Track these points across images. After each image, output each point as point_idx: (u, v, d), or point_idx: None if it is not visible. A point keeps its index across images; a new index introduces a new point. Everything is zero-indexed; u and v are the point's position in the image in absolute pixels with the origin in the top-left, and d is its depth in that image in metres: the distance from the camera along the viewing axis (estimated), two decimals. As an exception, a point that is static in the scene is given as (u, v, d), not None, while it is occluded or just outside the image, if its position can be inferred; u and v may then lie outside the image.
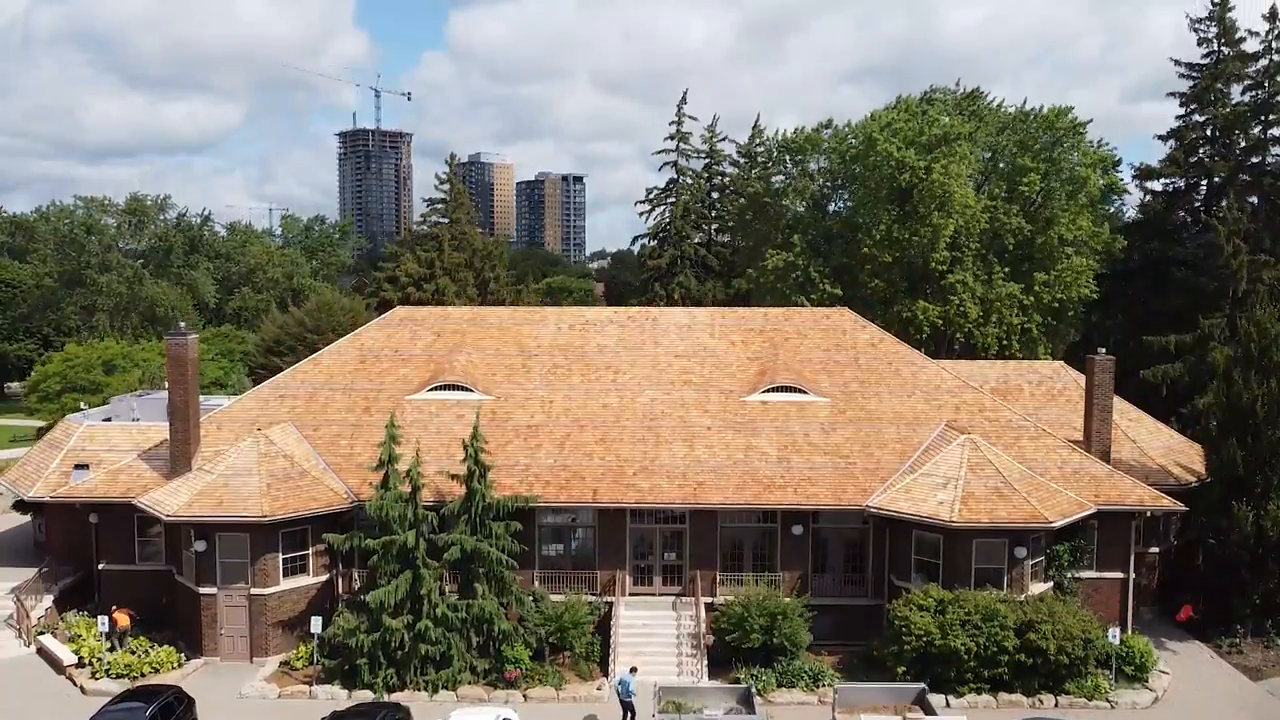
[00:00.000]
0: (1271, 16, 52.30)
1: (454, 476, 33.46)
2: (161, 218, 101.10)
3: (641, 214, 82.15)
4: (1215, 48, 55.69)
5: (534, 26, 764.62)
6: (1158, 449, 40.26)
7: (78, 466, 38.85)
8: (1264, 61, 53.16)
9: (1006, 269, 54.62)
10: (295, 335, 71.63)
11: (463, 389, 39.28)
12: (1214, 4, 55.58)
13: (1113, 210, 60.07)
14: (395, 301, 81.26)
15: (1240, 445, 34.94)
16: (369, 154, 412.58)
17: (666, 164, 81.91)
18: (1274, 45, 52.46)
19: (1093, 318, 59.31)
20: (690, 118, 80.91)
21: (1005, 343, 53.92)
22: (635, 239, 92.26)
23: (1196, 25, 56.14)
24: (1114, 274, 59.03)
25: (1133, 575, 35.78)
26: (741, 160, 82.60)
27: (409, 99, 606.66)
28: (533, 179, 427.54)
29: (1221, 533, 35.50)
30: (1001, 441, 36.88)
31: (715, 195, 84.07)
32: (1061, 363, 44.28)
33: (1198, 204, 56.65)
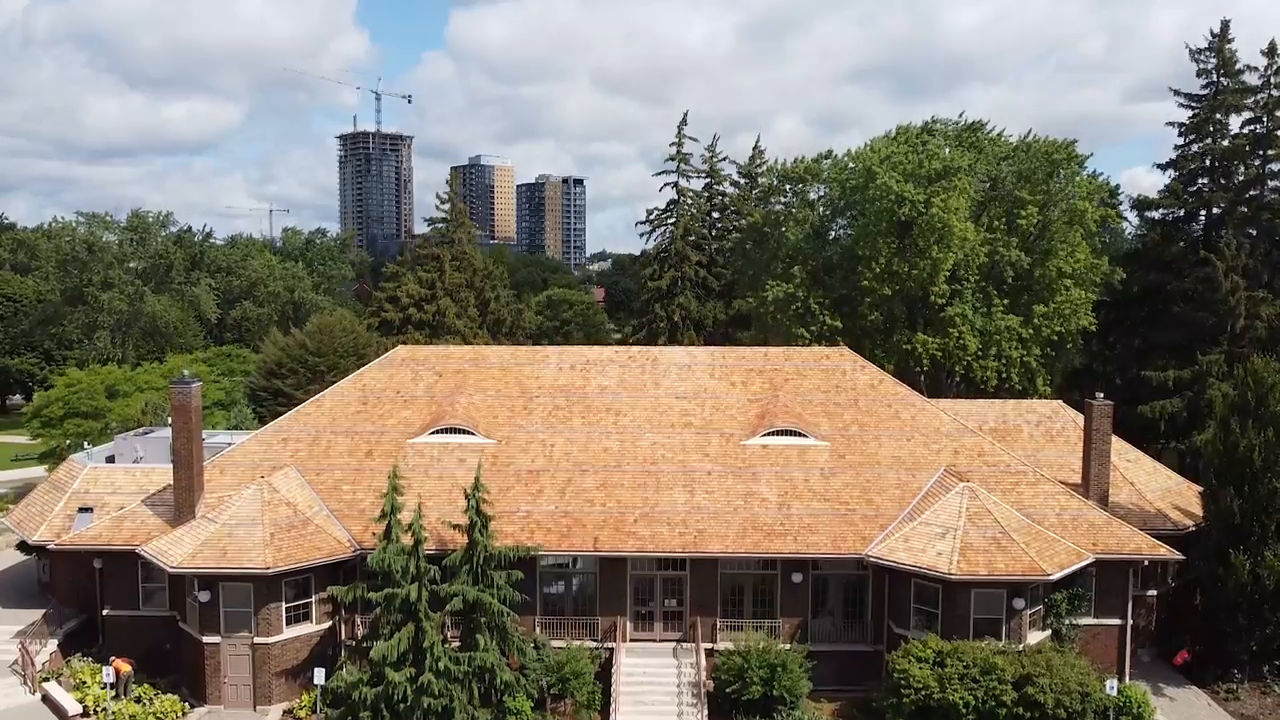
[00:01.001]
0: (1270, 52, 52.47)
1: (456, 526, 33.64)
2: (163, 233, 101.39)
3: (642, 235, 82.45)
4: (1214, 79, 55.90)
5: (535, 26, 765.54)
6: (1155, 491, 40.44)
7: (82, 510, 39.08)
8: (1263, 96, 53.30)
9: (1005, 301, 54.80)
10: (296, 358, 71.72)
11: (464, 432, 39.49)
12: (1213, 35, 55.80)
13: (1110, 238, 60.09)
14: (396, 322, 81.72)
15: (1238, 494, 35.14)
16: (369, 156, 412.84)
17: (667, 184, 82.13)
18: (1273, 80, 52.63)
19: (1093, 346, 59.50)
20: (691, 139, 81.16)
21: (1005, 375, 54.11)
22: (636, 259, 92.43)
23: (1196, 56, 56.31)
24: (1113, 302, 59.23)
25: (1130, 621, 36.01)
26: (742, 181, 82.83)
27: (409, 102, 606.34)
28: (533, 181, 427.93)
29: (1219, 579, 35.71)
30: (1000, 487, 37.11)
31: (716, 215, 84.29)
32: (1060, 402, 44.45)
33: (1197, 234, 56.78)
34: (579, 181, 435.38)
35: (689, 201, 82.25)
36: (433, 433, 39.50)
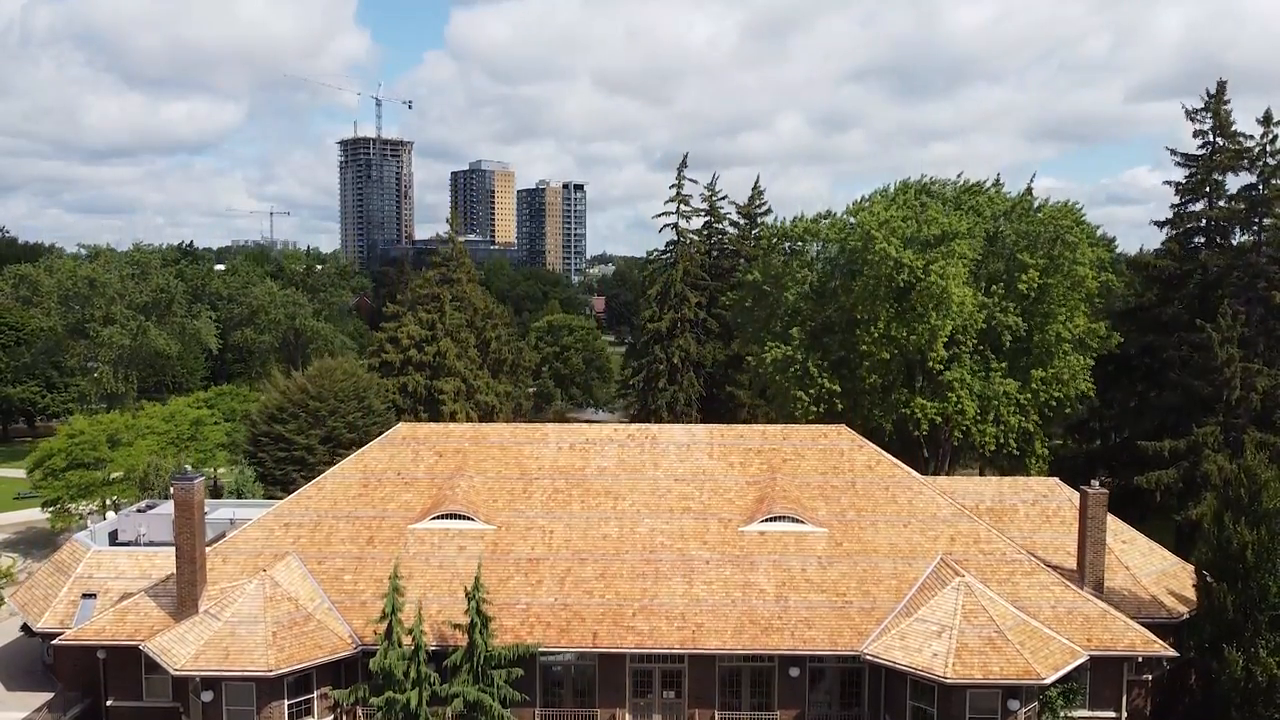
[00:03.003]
0: (1266, 120, 52.68)
1: (456, 626, 34.03)
2: (160, 252, 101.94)
3: (644, 278, 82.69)
4: (1210, 139, 56.15)
5: (535, 26, 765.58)
6: (1150, 575, 40.69)
7: (85, 595, 39.40)
8: (1260, 164, 53.51)
9: (1004, 364, 55.04)
10: (297, 401, 71.95)
11: (465, 518, 39.74)
12: (1209, 95, 56.00)
13: (1105, 296, 60.34)
14: (397, 363, 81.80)
15: (1231, 589, 35.43)
16: (370, 162, 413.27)
17: (667, 225, 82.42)
18: (1268, 149, 52.85)
19: (1092, 402, 59.70)
20: (690, 179, 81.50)
21: (1003, 441, 54.35)
22: (638, 298, 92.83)
23: (1193, 115, 56.57)
24: (1110, 356, 59.40)
25: (1125, 714, 36.34)
26: (741, 221, 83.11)
27: (410, 107, 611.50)
28: (533, 186, 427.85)
29: (1213, 672, 36.01)
30: (996, 577, 37.42)
31: (715, 254, 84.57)
32: (1055, 480, 44.70)
33: (1193, 293, 56.90)
34: (579, 187, 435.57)
35: (689, 243, 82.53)
36: (434, 518, 39.76)
